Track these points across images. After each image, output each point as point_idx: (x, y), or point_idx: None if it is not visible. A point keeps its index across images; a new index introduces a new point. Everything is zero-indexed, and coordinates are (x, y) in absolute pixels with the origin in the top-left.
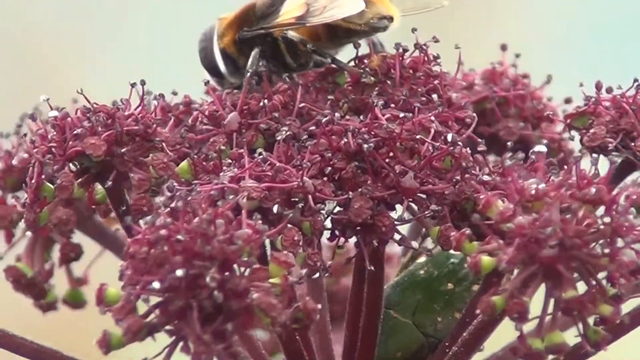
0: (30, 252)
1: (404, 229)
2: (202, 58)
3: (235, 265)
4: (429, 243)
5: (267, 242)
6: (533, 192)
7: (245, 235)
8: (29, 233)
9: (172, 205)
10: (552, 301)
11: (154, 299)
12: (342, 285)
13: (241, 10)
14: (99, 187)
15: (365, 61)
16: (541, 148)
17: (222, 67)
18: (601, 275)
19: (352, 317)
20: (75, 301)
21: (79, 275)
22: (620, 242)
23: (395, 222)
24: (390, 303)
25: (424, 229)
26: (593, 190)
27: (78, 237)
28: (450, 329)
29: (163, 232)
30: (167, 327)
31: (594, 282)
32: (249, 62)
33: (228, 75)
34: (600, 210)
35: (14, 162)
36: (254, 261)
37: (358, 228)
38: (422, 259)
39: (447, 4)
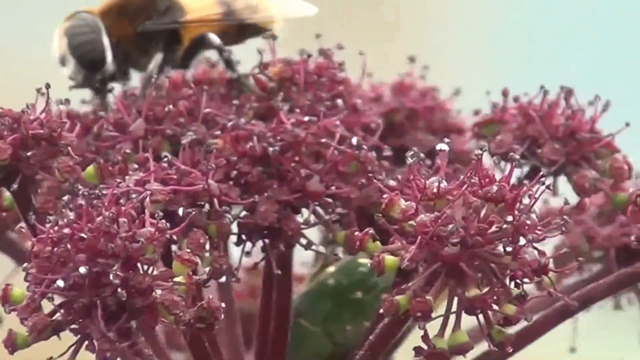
0: None
1: (314, 237)
2: (86, 51)
3: (138, 264)
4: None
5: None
6: (435, 190)
7: (148, 234)
8: None
9: (76, 204)
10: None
11: (60, 298)
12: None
13: (119, 2)
14: (7, 194)
15: (269, 67)
16: (443, 146)
17: (109, 60)
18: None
19: (262, 325)
20: None
21: None
22: (522, 241)
23: (302, 226)
24: (300, 312)
25: (331, 235)
26: (495, 188)
27: None
28: (360, 338)
29: (66, 230)
30: (73, 326)
31: (497, 281)
32: (152, 65)
33: (111, 70)
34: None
35: None
36: (157, 259)
37: (265, 232)
38: (331, 268)
39: (314, 14)
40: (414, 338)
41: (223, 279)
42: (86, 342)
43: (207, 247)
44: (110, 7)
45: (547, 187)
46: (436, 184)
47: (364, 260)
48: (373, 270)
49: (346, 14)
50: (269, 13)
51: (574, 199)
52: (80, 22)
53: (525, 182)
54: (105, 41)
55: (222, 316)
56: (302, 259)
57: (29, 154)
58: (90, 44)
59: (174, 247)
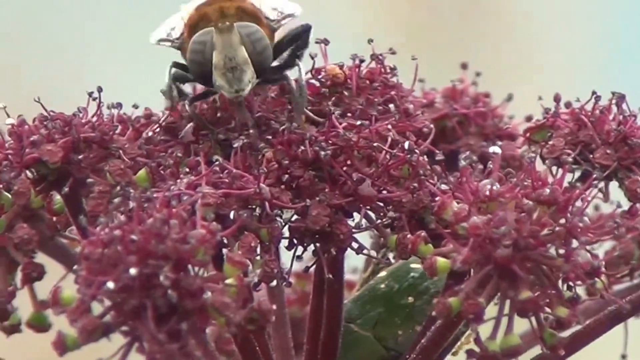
0: None
1: (366, 242)
2: (266, 57)
3: (189, 266)
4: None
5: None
6: (487, 192)
7: (199, 235)
8: None
9: (127, 207)
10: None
11: (110, 300)
12: (307, 313)
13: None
14: (57, 197)
15: (323, 72)
16: (496, 149)
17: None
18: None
19: (313, 329)
20: (39, 324)
21: (43, 298)
22: (575, 243)
23: (353, 230)
24: (351, 317)
25: (382, 239)
26: (547, 190)
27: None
28: (411, 343)
29: (117, 232)
30: (122, 327)
31: (549, 284)
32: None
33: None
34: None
35: None
36: (208, 261)
37: (316, 236)
38: (382, 273)
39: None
40: None
41: (274, 282)
42: (136, 344)
43: (258, 250)
44: (239, 16)
45: (600, 190)
46: (489, 186)
47: (415, 265)
48: (424, 275)
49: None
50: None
51: (625, 204)
52: (252, 28)
53: (578, 185)
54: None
55: (273, 318)
56: (353, 266)
57: (80, 157)
58: (268, 48)
59: (224, 251)
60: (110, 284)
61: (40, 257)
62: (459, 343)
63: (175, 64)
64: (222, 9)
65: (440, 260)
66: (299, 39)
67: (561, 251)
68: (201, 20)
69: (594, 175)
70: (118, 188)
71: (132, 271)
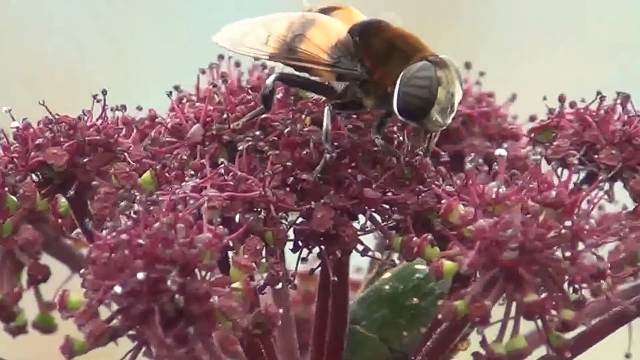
0: None
1: (371, 243)
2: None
3: (196, 270)
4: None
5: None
6: (494, 195)
7: (205, 239)
8: None
9: (133, 210)
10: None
11: (117, 304)
12: (312, 313)
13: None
14: (62, 200)
15: None
16: (501, 152)
17: None
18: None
19: (318, 331)
20: (45, 325)
21: (49, 299)
22: (581, 246)
23: (358, 232)
24: (356, 318)
25: (387, 241)
26: (554, 193)
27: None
28: (416, 344)
29: (124, 236)
30: (130, 332)
31: (555, 286)
32: None
33: None
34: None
35: None
36: (214, 265)
37: (321, 238)
38: (387, 275)
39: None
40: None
41: (279, 285)
42: (143, 348)
43: (264, 253)
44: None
45: (606, 192)
46: (495, 189)
47: (420, 267)
48: (429, 276)
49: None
50: None
51: (630, 205)
52: (454, 65)
53: (584, 187)
54: None
55: (280, 322)
56: (357, 265)
57: (85, 160)
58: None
59: (230, 254)
60: (118, 288)
61: (45, 259)
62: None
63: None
64: (404, 39)
65: (447, 263)
66: None
67: (567, 254)
68: (391, 51)
69: (601, 177)
70: (123, 191)
71: (140, 275)
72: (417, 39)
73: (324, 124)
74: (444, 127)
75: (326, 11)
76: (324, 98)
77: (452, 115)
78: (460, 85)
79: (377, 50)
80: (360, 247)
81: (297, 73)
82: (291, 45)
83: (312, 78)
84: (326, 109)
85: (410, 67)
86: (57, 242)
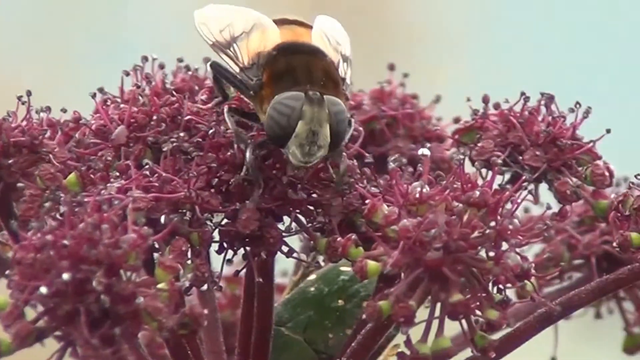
0: None
1: (296, 245)
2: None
3: (121, 271)
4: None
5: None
6: (417, 195)
7: (130, 240)
8: None
9: (58, 211)
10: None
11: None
12: (239, 317)
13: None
14: None
15: None
16: (425, 151)
17: None
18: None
19: (244, 333)
20: None
21: None
22: (505, 246)
23: (283, 234)
24: (282, 320)
25: (312, 243)
26: (477, 193)
27: None
28: (342, 345)
29: (49, 237)
30: (56, 332)
31: (479, 286)
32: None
33: None
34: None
35: None
36: (139, 265)
37: (246, 239)
38: (312, 277)
39: None
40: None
41: (205, 286)
42: (70, 349)
43: (189, 254)
44: (324, 83)
45: (530, 192)
46: (418, 188)
47: (345, 268)
48: (354, 278)
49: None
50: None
51: (555, 206)
52: (339, 107)
53: (508, 187)
54: None
55: (205, 323)
56: (283, 269)
57: (10, 161)
58: (347, 129)
59: (155, 255)
60: (43, 289)
61: None
62: (383, 355)
63: (230, 109)
64: (310, 69)
65: (371, 264)
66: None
67: (491, 254)
68: (287, 74)
69: (524, 177)
70: (48, 192)
71: (65, 276)
72: (327, 73)
73: (229, 126)
74: (307, 165)
75: (285, 22)
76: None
77: (318, 155)
78: (335, 131)
79: (277, 68)
80: (285, 249)
81: (228, 68)
82: (233, 40)
83: (237, 76)
84: (225, 113)
85: (285, 92)
86: None
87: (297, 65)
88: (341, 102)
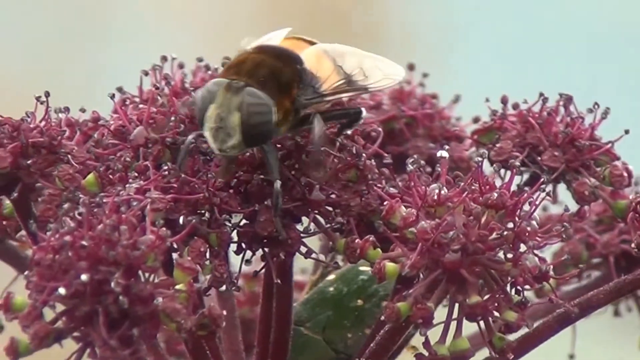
0: None
1: (315, 245)
2: (260, 132)
3: (140, 272)
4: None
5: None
6: (436, 197)
7: (148, 241)
8: None
9: (77, 212)
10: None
11: (61, 306)
12: (257, 314)
13: (269, 73)
14: (7, 202)
15: None
16: (443, 153)
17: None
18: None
19: (262, 333)
20: None
21: None
22: (523, 248)
23: (302, 235)
24: (301, 320)
25: (331, 243)
26: (495, 195)
27: None
28: (360, 345)
29: (67, 238)
30: (74, 333)
31: (497, 288)
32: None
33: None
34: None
35: None
36: (158, 267)
37: (265, 241)
38: (331, 276)
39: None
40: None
41: (223, 287)
42: (88, 350)
43: (208, 255)
44: (265, 80)
45: (548, 194)
46: (437, 190)
47: (364, 268)
48: (373, 277)
49: (336, 17)
50: (378, 78)
51: (573, 206)
52: (257, 100)
53: (526, 189)
54: (274, 120)
55: (224, 324)
56: (302, 267)
57: (29, 162)
58: (267, 125)
59: (174, 256)
60: (62, 290)
61: None
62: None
63: None
64: (256, 66)
65: (389, 265)
66: (347, 117)
67: (509, 255)
68: (236, 66)
69: (543, 179)
70: (67, 193)
71: (83, 277)
72: (274, 73)
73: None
74: (219, 153)
75: (295, 38)
76: None
77: (230, 144)
78: (247, 124)
79: (233, 60)
80: (303, 249)
81: None
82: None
83: None
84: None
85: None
86: (1, 244)
87: (247, 60)
88: (263, 97)
